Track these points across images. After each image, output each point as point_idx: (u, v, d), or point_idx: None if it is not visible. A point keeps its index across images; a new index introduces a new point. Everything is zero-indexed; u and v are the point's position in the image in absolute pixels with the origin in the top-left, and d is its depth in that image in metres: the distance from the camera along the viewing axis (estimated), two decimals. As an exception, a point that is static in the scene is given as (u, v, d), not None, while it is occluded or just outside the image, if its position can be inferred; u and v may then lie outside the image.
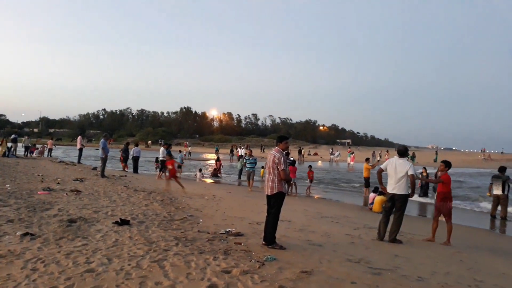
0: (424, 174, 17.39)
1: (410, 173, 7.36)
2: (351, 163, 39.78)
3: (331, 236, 7.54)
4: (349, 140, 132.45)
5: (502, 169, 13.04)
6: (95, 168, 20.24)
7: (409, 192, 7.50)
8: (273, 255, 5.66)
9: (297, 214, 10.24)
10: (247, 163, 16.93)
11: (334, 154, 49.46)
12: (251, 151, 18.65)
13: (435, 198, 8.96)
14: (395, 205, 7.58)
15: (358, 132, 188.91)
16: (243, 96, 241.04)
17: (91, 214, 7.91)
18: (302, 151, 50.81)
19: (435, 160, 46.68)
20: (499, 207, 12.76)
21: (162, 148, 19.42)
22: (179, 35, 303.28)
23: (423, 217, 13.25)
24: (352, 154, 42.08)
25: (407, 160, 7.78)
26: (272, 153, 6.43)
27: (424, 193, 17.35)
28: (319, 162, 43.59)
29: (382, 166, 7.84)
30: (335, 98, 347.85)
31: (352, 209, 13.25)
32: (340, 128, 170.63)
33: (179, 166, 20.61)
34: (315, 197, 16.56)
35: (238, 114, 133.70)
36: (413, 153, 52.08)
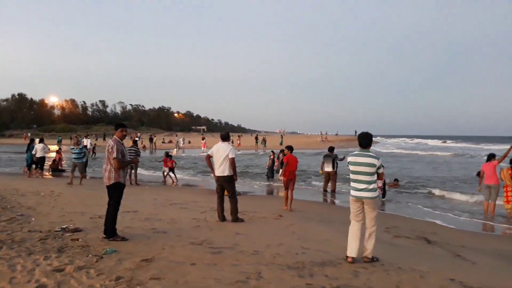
0: (272, 157, 18.78)
1: (230, 156, 7.85)
2: (203, 148, 40.71)
3: (178, 222, 7.62)
4: (204, 127, 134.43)
5: (331, 149, 14.85)
6: None
7: (232, 174, 7.95)
8: (113, 247, 5.49)
9: (145, 203, 10.06)
10: (73, 153, 15.26)
11: (171, 141, 50.11)
12: (78, 140, 16.88)
13: (282, 175, 10.51)
14: (224, 187, 8.02)
15: (212, 119, 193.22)
16: (88, 81, 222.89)
17: None
18: (154, 139, 49.74)
19: (281, 143, 50.73)
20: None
21: (42, 145, 17.08)
22: (7, 10, 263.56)
23: (269, 196, 14.32)
24: (203, 140, 43.12)
25: (230, 144, 8.23)
26: (108, 142, 6.21)
27: (271, 174, 18.70)
28: (174, 150, 43.30)
29: (209, 152, 8.19)
30: (189, 84, 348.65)
31: (202, 193, 13.57)
32: (195, 115, 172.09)
33: None
34: (173, 184, 16.51)
35: (83, 101, 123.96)
36: (264, 138, 55.70)
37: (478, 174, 11.16)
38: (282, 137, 60.92)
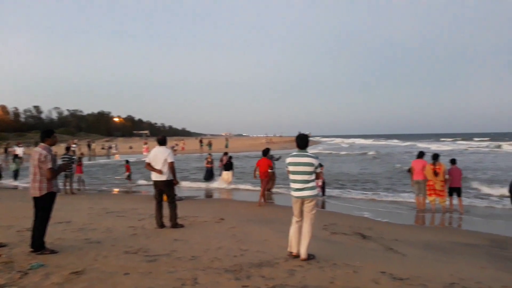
0: (209, 159, 18.67)
1: (169, 160, 7.72)
2: (145, 153, 39.84)
3: (113, 231, 7.34)
4: (147, 131, 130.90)
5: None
6: None
7: (171, 178, 7.84)
8: (41, 261, 5.17)
9: (80, 213, 9.60)
10: None
11: (111, 147, 48.42)
12: None
13: (258, 176, 12.42)
14: (164, 191, 7.87)
15: (156, 123, 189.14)
16: (19, 86, 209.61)
17: None
18: (92, 145, 47.73)
19: (226, 146, 50.71)
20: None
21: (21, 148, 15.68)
22: None
23: (210, 199, 14.19)
24: (145, 145, 42.16)
25: (167, 148, 8.10)
26: (38, 151, 5.79)
27: (209, 176, 18.50)
28: (117, 155, 41.79)
29: (147, 160, 8.01)
30: (131, 88, 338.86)
31: (142, 200, 13.20)
32: (137, 119, 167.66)
33: None
34: (115, 191, 15.93)
35: (15, 107, 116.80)
36: (209, 141, 55.34)
37: (409, 170, 11.78)
38: (227, 140, 60.90)
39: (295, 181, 5.59)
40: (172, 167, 7.73)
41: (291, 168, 5.62)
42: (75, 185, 15.64)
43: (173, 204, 7.85)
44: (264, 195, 12.22)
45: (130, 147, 55.75)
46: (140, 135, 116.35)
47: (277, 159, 14.79)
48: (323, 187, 13.82)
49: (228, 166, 16.75)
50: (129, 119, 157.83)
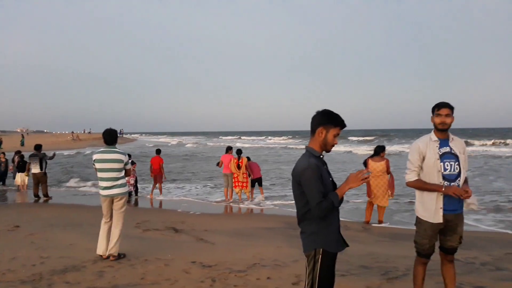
0: (3, 159, 16.16)
1: None
2: None
3: None
4: None
5: (38, 147, 13.04)
6: None
7: None
8: None
9: None
10: None
11: None
12: None
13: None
14: None
15: None
16: None
17: None
18: None
19: (22, 144, 44.49)
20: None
21: None
22: None
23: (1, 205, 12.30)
24: None
25: None
26: None
27: (2, 178, 16.04)
28: None
29: None
30: None
31: None
32: None
33: None
34: None
35: None
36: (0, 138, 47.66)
37: (218, 164, 12.55)
38: (23, 137, 53.55)
39: (102, 179, 5.39)
40: None
41: (98, 166, 5.40)
42: None
43: None
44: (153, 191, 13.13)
45: None
46: None
47: (51, 158, 13.41)
48: (135, 185, 13.49)
49: (21, 167, 14.67)
50: None
